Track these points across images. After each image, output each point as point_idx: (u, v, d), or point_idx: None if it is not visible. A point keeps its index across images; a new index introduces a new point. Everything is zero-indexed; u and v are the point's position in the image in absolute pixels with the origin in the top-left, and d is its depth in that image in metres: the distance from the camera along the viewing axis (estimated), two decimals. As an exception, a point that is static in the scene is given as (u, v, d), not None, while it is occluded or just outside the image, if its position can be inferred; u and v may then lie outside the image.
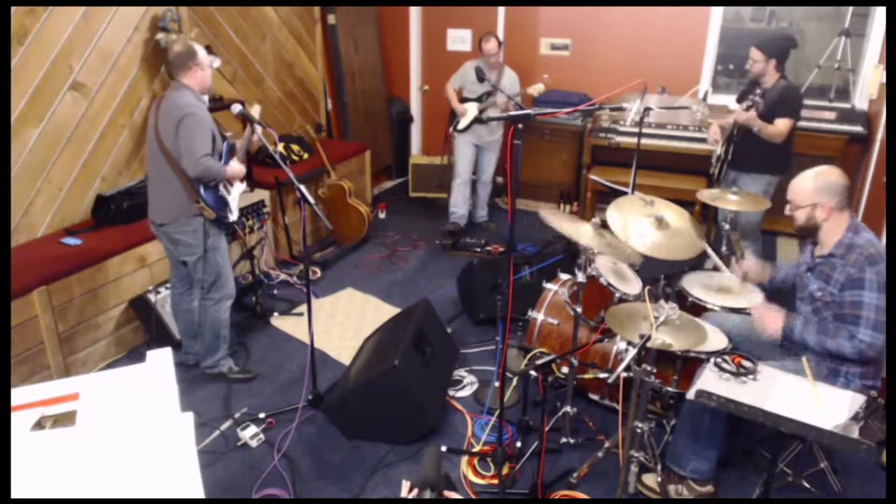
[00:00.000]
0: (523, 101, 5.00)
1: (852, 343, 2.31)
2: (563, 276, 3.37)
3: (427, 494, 1.92)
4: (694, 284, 3.09)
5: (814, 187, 2.41)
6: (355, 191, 5.05)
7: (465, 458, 2.83)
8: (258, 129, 3.15)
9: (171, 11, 3.96)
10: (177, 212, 3.01)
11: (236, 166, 3.09)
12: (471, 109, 4.99)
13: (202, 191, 2.97)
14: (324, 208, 4.93)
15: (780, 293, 2.95)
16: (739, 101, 4.00)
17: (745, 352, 2.31)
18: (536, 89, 4.81)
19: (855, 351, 2.31)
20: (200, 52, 2.98)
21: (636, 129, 3.96)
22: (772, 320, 2.52)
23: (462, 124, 5.03)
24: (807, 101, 4.06)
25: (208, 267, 3.13)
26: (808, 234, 2.52)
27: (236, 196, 3.18)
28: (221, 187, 3.08)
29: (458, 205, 5.28)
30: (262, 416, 3.06)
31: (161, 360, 1.82)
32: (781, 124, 3.66)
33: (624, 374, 2.22)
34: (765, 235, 4.82)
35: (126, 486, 1.41)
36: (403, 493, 1.97)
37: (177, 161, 2.92)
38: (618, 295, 2.91)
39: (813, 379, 2.09)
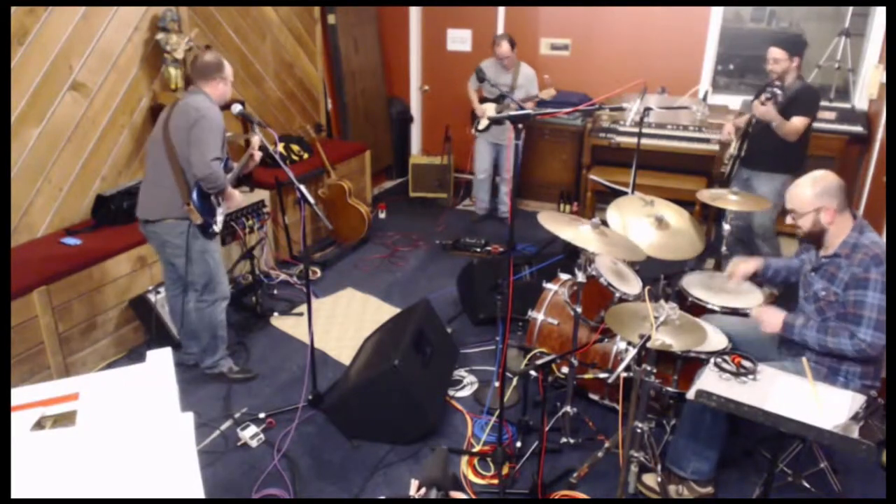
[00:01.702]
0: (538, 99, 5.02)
1: (853, 342, 2.31)
2: (563, 276, 3.36)
3: (433, 494, 1.93)
4: (694, 284, 3.09)
5: (814, 193, 2.41)
6: (355, 191, 5.05)
7: (465, 458, 2.83)
8: (257, 131, 3.16)
9: (171, 11, 3.96)
10: (164, 211, 3.01)
11: (236, 194, 3.17)
12: (489, 110, 5.09)
13: (195, 195, 2.97)
14: (324, 208, 4.93)
15: (785, 294, 2.95)
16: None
17: (745, 353, 2.31)
18: (548, 93, 4.87)
19: (856, 350, 2.31)
20: (228, 67, 3.04)
21: (636, 129, 3.96)
22: (772, 316, 2.53)
23: (482, 125, 5.18)
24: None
25: (198, 269, 3.13)
26: (814, 239, 2.51)
27: (223, 212, 3.20)
28: (213, 198, 3.09)
29: (482, 198, 5.61)
30: (262, 416, 3.06)
31: (161, 360, 1.82)
32: (797, 121, 3.63)
33: (624, 374, 2.22)
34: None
35: (126, 486, 1.41)
36: (412, 492, 1.98)
37: (179, 160, 2.93)
38: (618, 295, 2.91)
39: (813, 379, 2.09)
